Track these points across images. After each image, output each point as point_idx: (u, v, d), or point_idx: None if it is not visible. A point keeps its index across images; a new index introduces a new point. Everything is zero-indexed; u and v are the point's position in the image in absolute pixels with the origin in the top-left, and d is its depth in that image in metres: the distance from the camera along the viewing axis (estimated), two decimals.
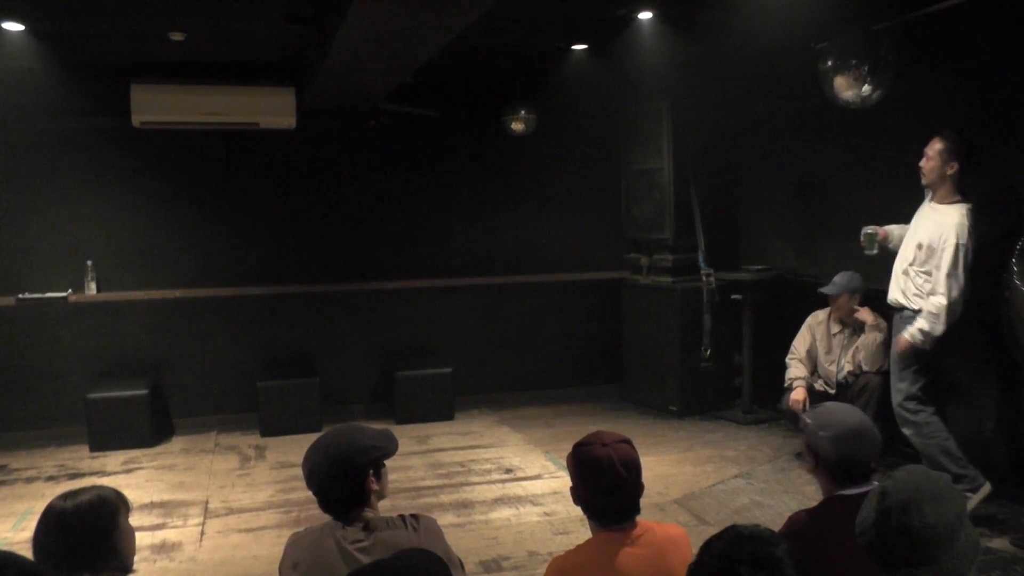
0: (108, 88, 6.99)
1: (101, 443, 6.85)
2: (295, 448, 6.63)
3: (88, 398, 6.89)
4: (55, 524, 2.34)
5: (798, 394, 5.82)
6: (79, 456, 6.77)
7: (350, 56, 5.22)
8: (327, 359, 7.69)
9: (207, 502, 5.68)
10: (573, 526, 4.92)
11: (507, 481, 5.90)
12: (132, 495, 5.46)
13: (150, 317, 7.45)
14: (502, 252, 8.04)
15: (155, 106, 6.95)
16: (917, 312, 4.89)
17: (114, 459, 6.67)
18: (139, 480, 6.18)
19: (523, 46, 6.87)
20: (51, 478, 6.27)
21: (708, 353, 7.22)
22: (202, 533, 5.16)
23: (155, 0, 5.39)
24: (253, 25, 5.88)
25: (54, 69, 6.56)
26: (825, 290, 5.90)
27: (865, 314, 5.75)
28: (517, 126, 7.63)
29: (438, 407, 7.43)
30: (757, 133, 7.42)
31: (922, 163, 4.90)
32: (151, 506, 5.61)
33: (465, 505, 5.46)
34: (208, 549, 4.92)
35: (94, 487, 2.46)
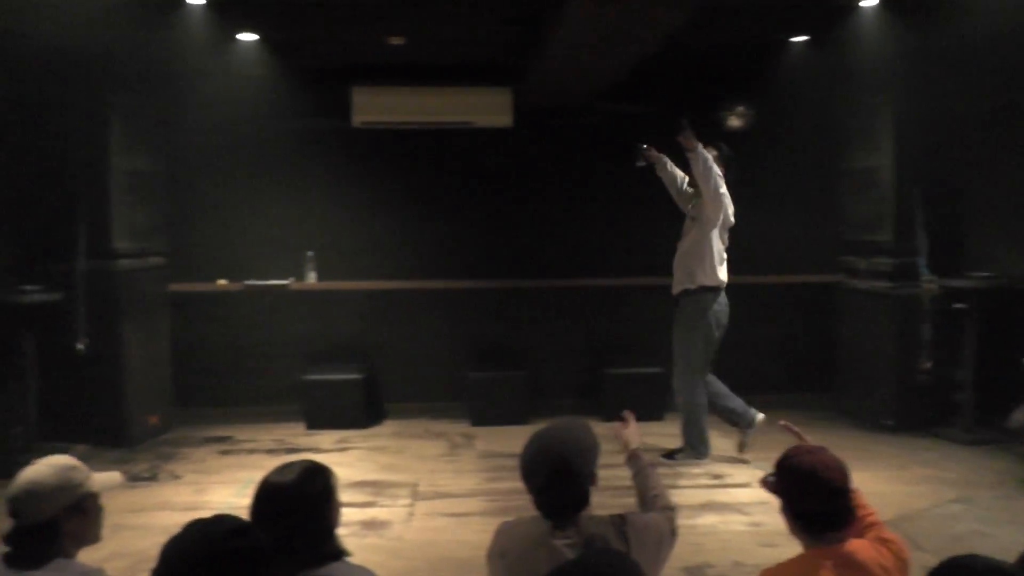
0: (331, 91, 7.35)
1: (316, 422, 7.24)
2: (502, 438, 6.73)
3: (305, 379, 7.31)
4: (273, 496, 2.34)
5: None
6: (296, 432, 7.18)
7: (566, 55, 5.27)
8: (536, 353, 7.78)
9: (416, 484, 5.86)
10: (781, 539, 4.69)
11: (714, 487, 5.79)
12: (344, 473, 5.78)
13: (366, 306, 7.78)
14: None
15: (375, 107, 7.29)
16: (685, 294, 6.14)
17: (328, 437, 7.01)
18: (351, 459, 6.46)
19: (741, 39, 6.73)
20: (270, 451, 6.67)
21: (927, 365, 6.81)
22: (410, 514, 5.33)
23: (377, 7, 5.65)
24: (470, 27, 6.05)
25: (282, 75, 6.97)
26: None
27: None
28: (734, 122, 7.45)
29: (647, 407, 7.25)
30: (991, 128, 6.91)
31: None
32: (362, 484, 5.84)
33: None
34: (415, 529, 5.08)
35: (306, 461, 2.46)
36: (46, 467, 2.48)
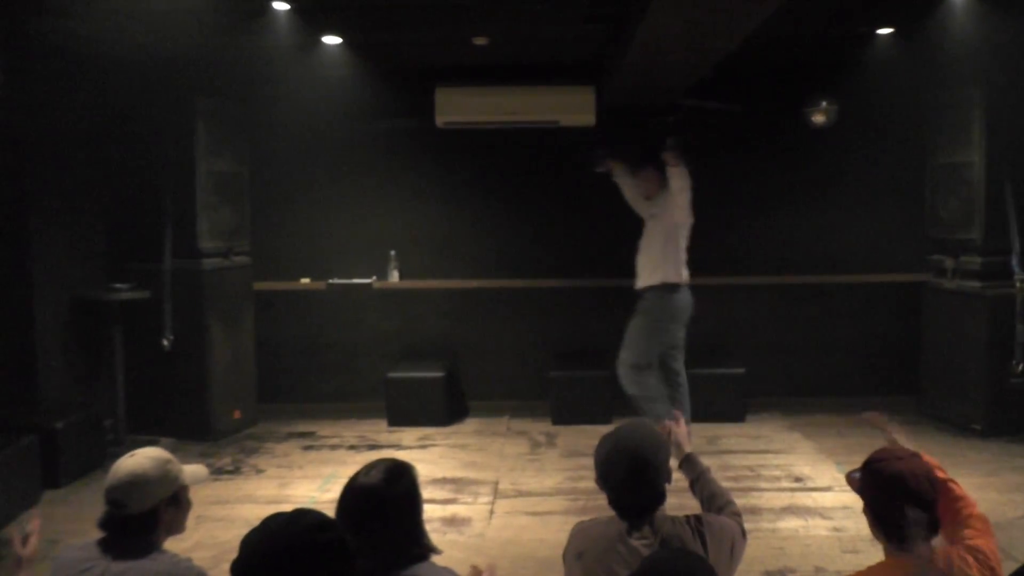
0: (414, 92, 7.41)
1: (398, 419, 7.32)
2: (585, 438, 6.73)
3: (388, 377, 7.39)
4: (361, 497, 2.35)
5: None
6: (378, 429, 7.26)
7: (650, 52, 5.23)
8: (618, 353, 7.71)
9: (497, 483, 5.90)
10: (863, 545, 4.63)
11: (796, 490, 5.70)
12: (426, 470, 5.89)
13: (448, 305, 7.84)
14: (798, 251, 7.74)
15: (458, 107, 7.32)
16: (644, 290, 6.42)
17: (410, 435, 7.08)
18: (433, 456, 6.54)
19: (826, 33, 6.59)
20: (352, 447, 6.77)
21: (1020, 368, 6.58)
22: (491, 512, 5.37)
23: (461, 8, 5.69)
24: (554, 26, 6.05)
25: (366, 76, 7.04)
26: None
27: None
28: (819, 118, 7.30)
29: (729, 408, 7.28)
30: None
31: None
32: (443, 481, 5.91)
33: (752, 511, 5.28)
34: (496, 527, 5.12)
35: (390, 460, 2.47)
36: (146, 460, 2.57)
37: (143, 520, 2.53)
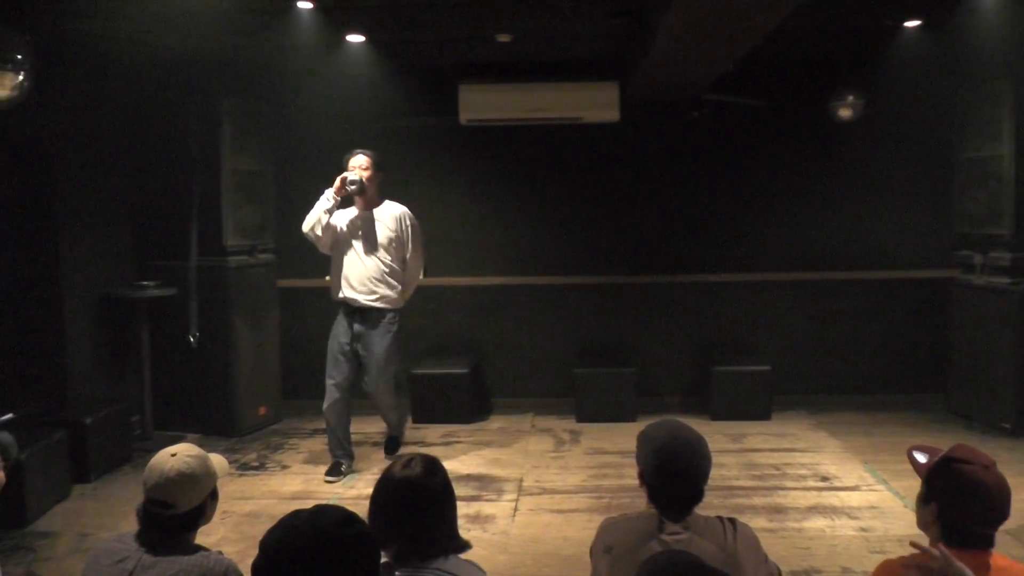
0: (438, 89, 7.43)
1: (423, 416, 7.32)
2: (609, 435, 6.78)
3: (412, 373, 7.40)
4: (401, 491, 2.38)
5: None
6: None
7: (673, 47, 5.21)
8: (643, 350, 7.73)
9: (521, 480, 5.90)
10: (891, 546, 4.56)
11: (823, 489, 5.64)
12: (450, 466, 5.79)
13: (472, 301, 7.85)
14: (824, 247, 7.69)
15: (481, 104, 7.33)
16: (392, 309, 6.10)
17: (434, 431, 7.09)
18: (457, 453, 6.54)
19: (851, 26, 6.54)
20: (376, 444, 6.74)
21: None
22: (515, 509, 5.37)
23: (484, 5, 5.69)
24: (577, 23, 6.04)
25: (390, 74, 7.07)
26: None
27: None
28: (844, 112, 7.24)
29: (754, 406, 7.23)
30: None
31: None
32: (468, 478, 5.92)
33: (778, 510, 5.27)
34: (520, 525, 5.11)
35: (423, 455, 2.51)
36: (191, 459, 2.60)
37: (189, 517, 2.59)
